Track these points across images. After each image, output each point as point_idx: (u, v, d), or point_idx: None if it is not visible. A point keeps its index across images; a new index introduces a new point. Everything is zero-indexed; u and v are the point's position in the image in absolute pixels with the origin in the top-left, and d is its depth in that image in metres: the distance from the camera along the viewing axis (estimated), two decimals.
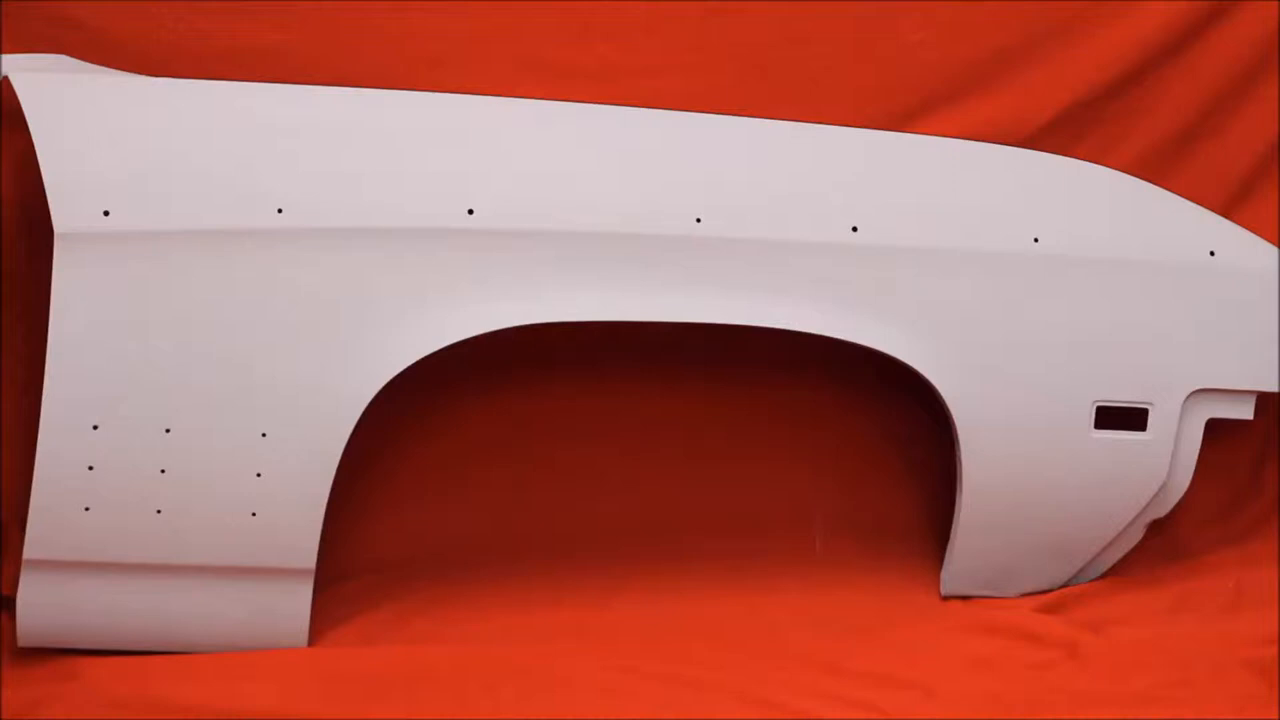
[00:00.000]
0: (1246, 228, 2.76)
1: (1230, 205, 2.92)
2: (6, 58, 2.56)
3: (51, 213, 2.42)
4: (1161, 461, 2.72)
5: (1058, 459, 2.69)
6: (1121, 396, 2.69)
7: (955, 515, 2.74)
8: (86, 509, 2.47)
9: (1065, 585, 2.82)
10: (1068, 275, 2.65)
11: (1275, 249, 2.74)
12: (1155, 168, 2.91)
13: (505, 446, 2.93)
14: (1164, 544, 2.93)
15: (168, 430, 2.47)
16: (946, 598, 2.82)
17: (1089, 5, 2.92)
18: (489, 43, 2.83)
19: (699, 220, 2.55)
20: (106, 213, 2.42)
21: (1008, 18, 2.91)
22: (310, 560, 2.55)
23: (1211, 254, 2.69)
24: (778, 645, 2.66)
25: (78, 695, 2.44)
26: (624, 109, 2.63)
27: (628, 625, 2.72)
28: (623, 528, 2.92)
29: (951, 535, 2.76)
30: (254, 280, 2.46)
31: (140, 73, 2.64)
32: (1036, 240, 2.64)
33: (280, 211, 2.46)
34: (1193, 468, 2.75)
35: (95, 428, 2.45)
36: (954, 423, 2.66)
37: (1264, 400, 2.78)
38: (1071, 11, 2.92)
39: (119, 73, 2.63)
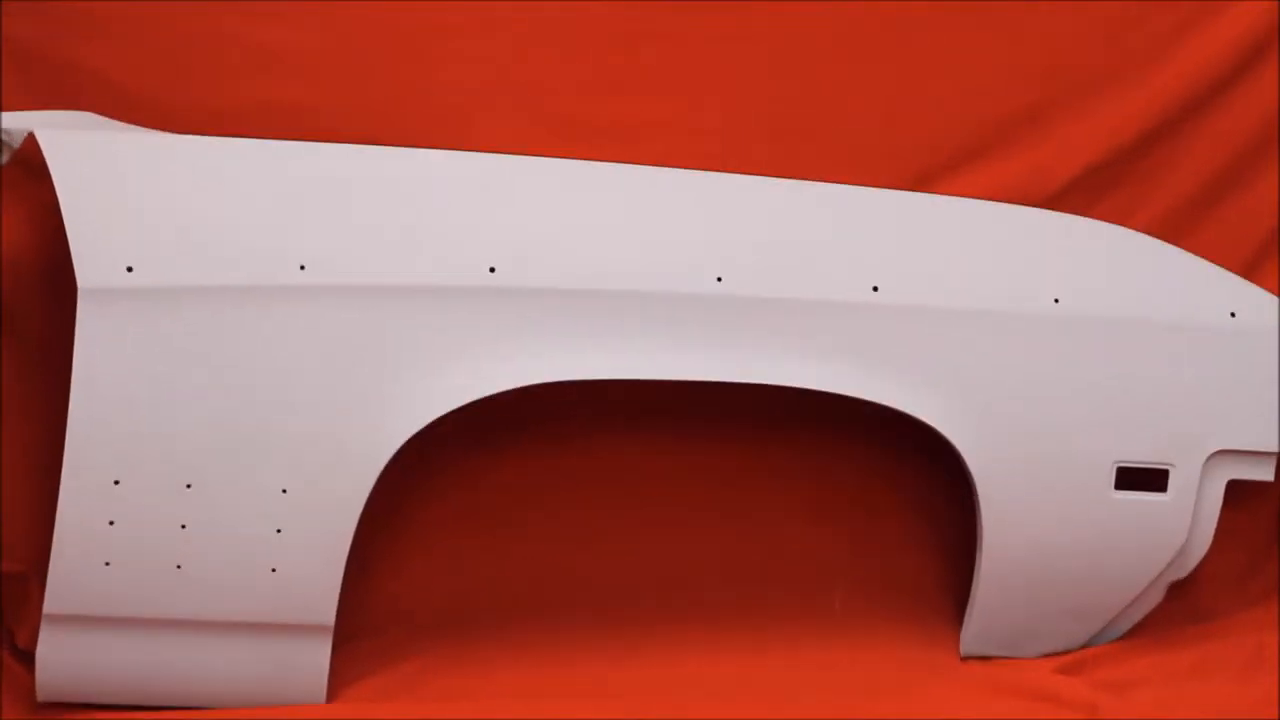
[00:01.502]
0: (1267, 289, 2.76)
1: (1251, 266, 2.92)
2: (32, 114, 2.58)
3: (75, 268, 2.42)
4: (1182, 523, 2.71)
5: (1078, 519, 2.68)
6: (1142, 457, 2.68)
7: (975, 575, 2.72)
8: (107, 564, 2.47)
9: (1085, 646, 2.81)
10: (1088, 336, 2.64)
11: None
12: (1176, 228, 2.92)
13: (524, 504, 2.93)
14: (1184, 606, 2.91)
15: (189, 486, 2.47)
16: (965, 658, 2.80)
17: (1109, 66, 2.93)
18: (511, 100, 2.85)
19: (719, 279, 2.56)
20: (130, 269, 2.43)
21: (1028, 79, 2.92)
22: (329, 616, 2.54)
23: (1232, 315, 2.69)
24: (795, 704, 2.64)
25: None
26: (645, 168, 2.63)
27: (645, 683, 2.71)
28: (641, 585, 2.91)
29: (971, 595, 2.75)
30: (276, 337, 2.46)
31: (164, 129, 2.66)
32: (1057, 301, 2.64)
33: (303, 269, 2.46)
34: (1213, 529, 2.74)
35: (116, 483, 2.45)
36: (974, 482, 2.65)
37: None
38: (1091, 72, 2.93)
39: (143, 129, 2.65)
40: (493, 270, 2.51)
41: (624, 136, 2.86)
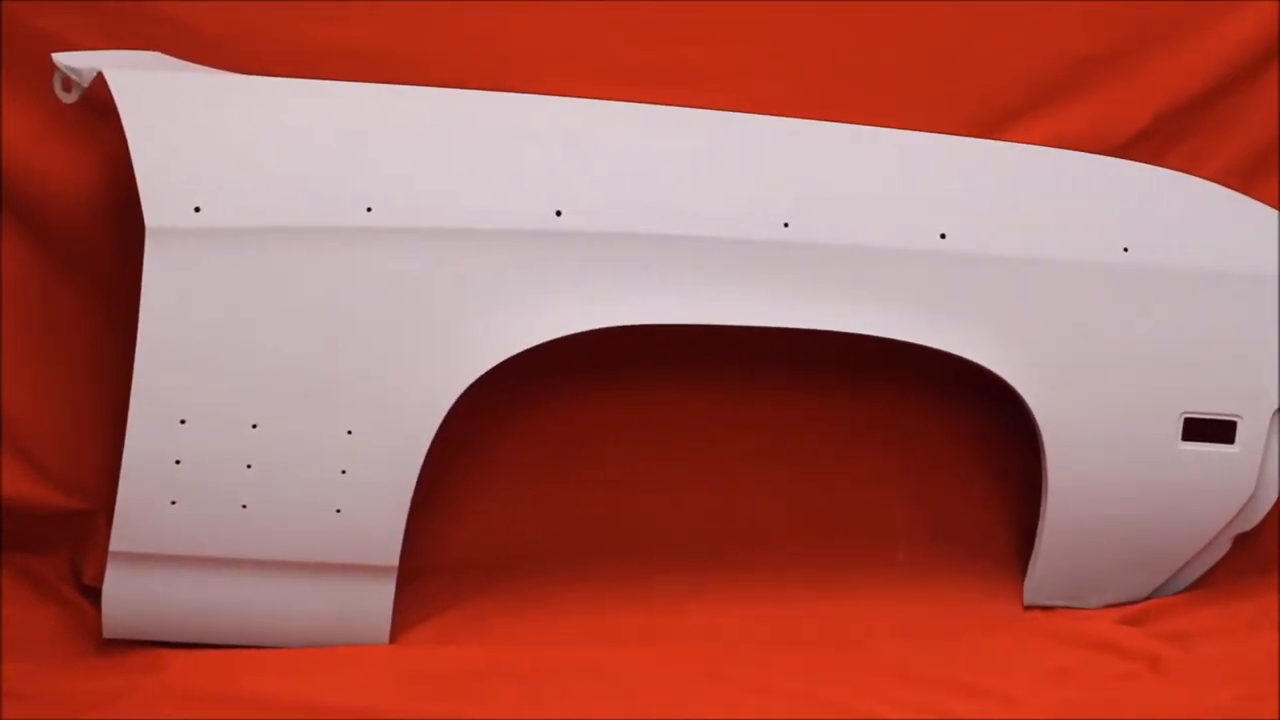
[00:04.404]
0: None
1: None
2: (101, 54, 2.58)
3: (143, 208, 2.43)
4: (1249, 474, 2.70)
5: (1144, 470, 2.67)
6: (1210, 408, 2.66)
7: (1039, 525, 2.72)
8: (173, 503, 2.49)
9: (1149, 598, 2.80)
10: (1157, 285, 2.62)
11: None
12: (1247, 177, 2.88)
13: (586, 449, 2.93)
14: (1249, 557, 2.89)
15: (254, 426, 2.48)
16: (1029, 608, 2.80)
17: (1181, 13, 2.90)
18: (579, 46, 2.83)
19: (786, 225, 2.55)
20: (197, 209, 2.44)
21: (1099, 25, 2.89)
22: (393, 558, 2.55)
23: None
24: (856, 652, 2.65)
25: (161, 687, 2.45)
26: (712, 113, 2.63)
27: (704, 629, 2.71)
28: (702, 532, 2.91)
29: (1035, 545, 2.75)
30: (342, 278, 2.47)
31: (233, 71, 2.66)
32: (1126, 250, 2.62)
33: (369, 210, 2.46)
34: None
35: (183, 422, 2.46)
36: (1040, 432, 2.64)
37: None
38: (1163, 18, 2.90)
39: (212, 70, 2.65)
40: (559, 214, 2.51)
41: (688, 83, 2.85)
